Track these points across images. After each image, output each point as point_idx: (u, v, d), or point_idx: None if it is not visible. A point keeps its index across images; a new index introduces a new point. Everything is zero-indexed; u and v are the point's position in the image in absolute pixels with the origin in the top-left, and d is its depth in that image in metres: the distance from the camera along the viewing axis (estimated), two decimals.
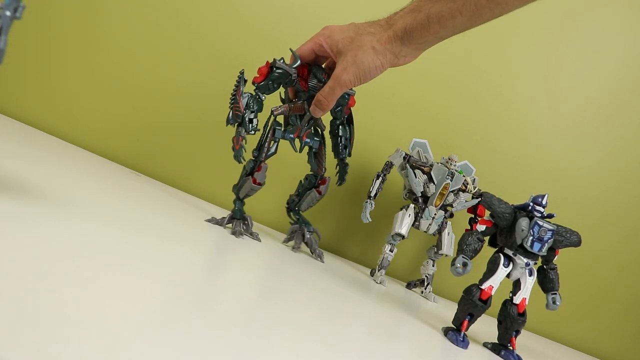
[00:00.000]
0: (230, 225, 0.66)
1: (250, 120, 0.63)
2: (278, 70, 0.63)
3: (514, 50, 0.97)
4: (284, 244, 0.73)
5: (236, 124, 0.63)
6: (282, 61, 0.63)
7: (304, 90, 0.65)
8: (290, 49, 0.65)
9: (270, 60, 0.64)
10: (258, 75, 0.63)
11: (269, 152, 0.66)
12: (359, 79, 0.56)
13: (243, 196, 0.67)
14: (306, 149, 0.70)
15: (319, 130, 0.70)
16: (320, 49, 0.60)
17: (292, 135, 0.67)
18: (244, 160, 0.65)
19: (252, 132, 0.63)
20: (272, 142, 0.66)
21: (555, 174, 0.98)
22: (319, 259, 0.72)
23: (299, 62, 0.63)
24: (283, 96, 0.68)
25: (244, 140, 0.63)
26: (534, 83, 0.98)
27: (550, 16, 0.97)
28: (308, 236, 0.71)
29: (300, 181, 0.72)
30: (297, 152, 0.69)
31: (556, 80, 0.99)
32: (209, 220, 0.66)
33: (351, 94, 0.69)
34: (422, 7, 0.51)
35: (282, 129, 0.67)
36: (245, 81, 0.64)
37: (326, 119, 0.70)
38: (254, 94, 0.63)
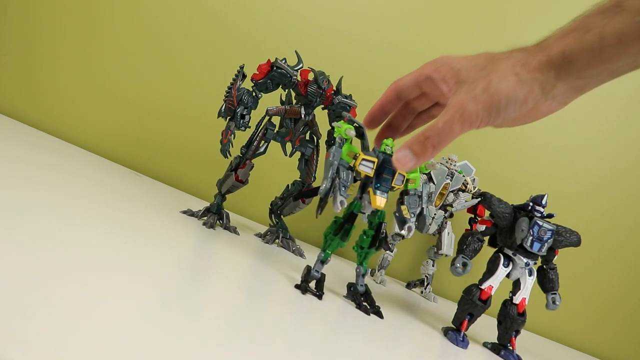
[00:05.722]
0: (205, 218, 0.65)
1: (242, 116, 0.62)
2: (278, 70, 0.63)
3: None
4: (256, 236, 0.71)
5: (227, 118, 0.63)
6: (284, 62, 0.63)
7: (302, 94, 0.64)
8: (296, 51, 0.65)
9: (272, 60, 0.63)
10: (258, 72, 0.63)
11: (258, 152, 0.66)
12: (490, 114, 0.37)
13: (224, 192, 0.66)
14: (298, 154, 0.69)
15: (315, 137, 0.69)
16: (427, 82, 0.42)
17: (283, 138, 0.66)
18: (230, 155, 0.64)
19: (242, 128, 0.62)
20: (263, 141, 0.65)
21: (555, 173, 0.98)
22: (300, 256, 0.69)
23: (301, 64, 0.63)
24: (284, 98, 0.68)
25: (232, 135, 0.62)
26: None
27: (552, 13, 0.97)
28: (282, 243, 0.70)
29: (288, 185, 0.71)
30: (286, 156, 0.68)
31: None
32: (184, 212, 0.65)
33: (353, 106, 0.67)
34: (592, 24, 0.34)
35: (275, 130, 0.66)
36: (244, 77, 0.63)
37: (323, 127, 0.68)
38: (251, 90, 0.63)
